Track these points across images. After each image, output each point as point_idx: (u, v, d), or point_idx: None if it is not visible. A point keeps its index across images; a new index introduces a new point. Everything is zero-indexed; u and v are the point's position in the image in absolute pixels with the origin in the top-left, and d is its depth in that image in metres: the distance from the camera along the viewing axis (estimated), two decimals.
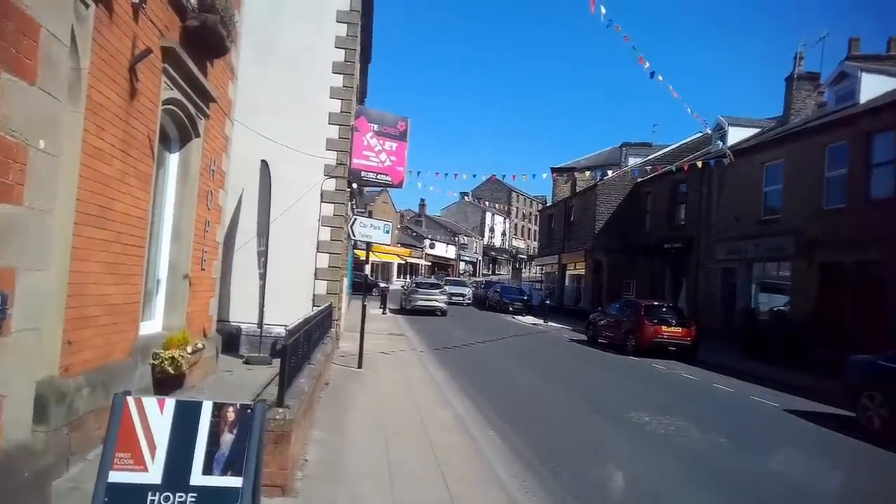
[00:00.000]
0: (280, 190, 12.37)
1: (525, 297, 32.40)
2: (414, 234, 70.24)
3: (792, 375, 14.53)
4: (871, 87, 18.47)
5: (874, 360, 9.23)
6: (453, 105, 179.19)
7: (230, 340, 11.94)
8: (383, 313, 25.01)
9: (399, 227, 65.83)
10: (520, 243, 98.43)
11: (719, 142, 24.80)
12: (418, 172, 24.18)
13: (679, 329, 16.56)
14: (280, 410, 4.27)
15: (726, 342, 19.86)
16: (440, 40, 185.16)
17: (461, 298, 34.10)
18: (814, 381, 13.70)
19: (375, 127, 13.48)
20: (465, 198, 65.26)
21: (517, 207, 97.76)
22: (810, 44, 51.76)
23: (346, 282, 16.80)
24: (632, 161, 33.18)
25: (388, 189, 60.06)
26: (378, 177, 13.58)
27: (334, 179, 12.65)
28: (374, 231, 10.87)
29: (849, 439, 8.60)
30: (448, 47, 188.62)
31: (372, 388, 9.31)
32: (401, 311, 26.91)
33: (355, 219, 10.65)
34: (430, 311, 26.02)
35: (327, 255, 12.55)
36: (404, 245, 64.40)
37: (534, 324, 26.50)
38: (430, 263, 70.68)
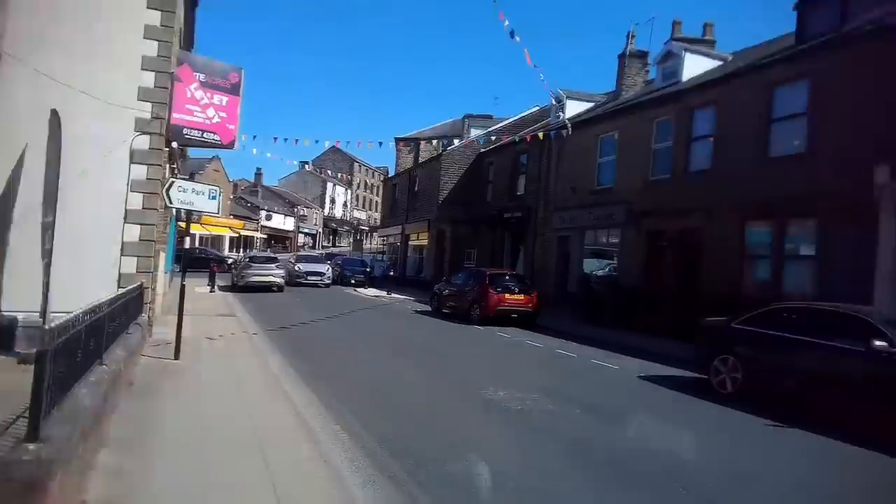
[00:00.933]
0: (78, 148, 10.07)
1: (367, 270, 31.54)
2: (249, 204, 65.81)
3: (625, 337, 15.32)
4: (693, 66, 19.95)
5: (727, 324, 9.63)
6: (289, 71, 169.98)
7: (2, 334, 9.57)
8: (211, 291, 22.62)
9: (232, 197, 61.15)
10: (361, 215, 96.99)
11: (560, 114, 25.59)
12: (254, 137, 22.14)
13: (521, 296, 16.79)
14: (31, 448, 2.92)
15: (563, 308, 20.68)
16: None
17: (318, 279, 28.53)
18: (649, 342, 14.52)
19: (202, 77, 11.53)
20: (306, 167, 62.26)
21: (359, 178, 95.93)
22: (641, 23, 56.47)
23: (164, 258, 14.56)
24: (474, 132, 33.38)
25: (218, 154, 55.21)
26: (204, 135, 11.68)
27: (148, 136, 10.60)
28: (198, 197, 9.16)
29: (707, 403, 8.76)
30: (287, 11, 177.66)
31: (191, 386, 7.82)
32: (233, 288, 24.62)
33: (172, 181, 8.85)
34: (266, 288, 24.17)
35: (138, 226, 10.54)
36: (238, 217, 60.05)
37: (377, 296, 25.77)
38: (266, 236, 66.83)
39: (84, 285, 10.14)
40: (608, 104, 24.28)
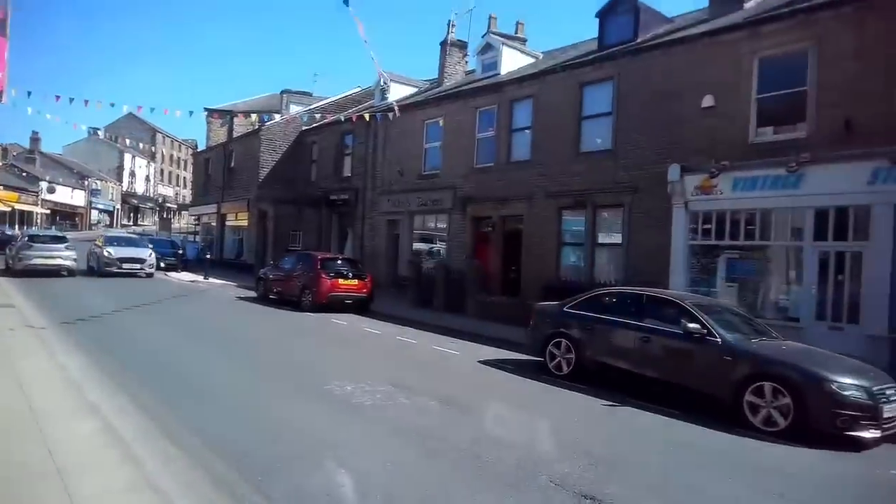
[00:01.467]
0: None
1: (178, 252, 28.68)
2: (25, 174, 56.29)
3: (457, 320, 15.68)
4: (510, 60, 20.92)
5: (559, 309, 10.10)
6: (77, 23, 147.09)
7: None
8: None
9: (2, 164, 51.82)
10: (167, 191, 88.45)
11: (387, 95, 25.34)
12: (29, 94, 18.67)
13: (355, 281, 16.36)
14: None
15: (395, 292, 20.68)
16: None
17: (138, 267, 22.42)
18: (480, 326, 15.00)
19: None
20: (98, 133, 54.80)
21: (163, 151, 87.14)
22: (461, 13, 57.81)
23: None
24: (294, 109, 31.85)
25: None
26: None
27: None
28: None
29: (547, 386, 9.07)
30: None
31: None
32: (7, 272, 20.75)
33: None
34: (53, 272, 20.74)
35: None
36: (10, 188, 51.08)
37: (192, 281, 23.54)
38: (48, 212, 57.82)
39: None
40: (432, 90, 24.60)
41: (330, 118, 23.76)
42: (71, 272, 21.29)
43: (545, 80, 17.56)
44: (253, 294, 19.06)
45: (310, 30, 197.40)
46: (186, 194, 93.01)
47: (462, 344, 12.59)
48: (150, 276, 22.83)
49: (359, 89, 33.31)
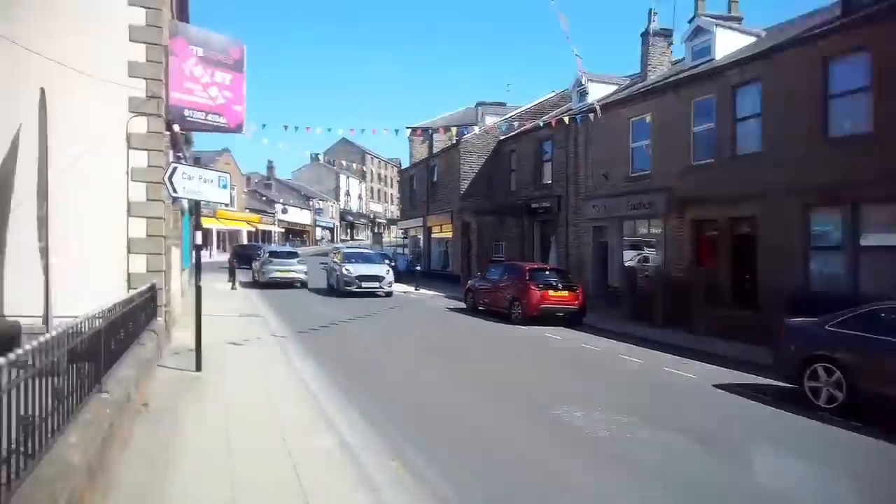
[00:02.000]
0: (69, 133, 9.01)
1: (391, 264, 30.31)
2: (264, 198, 64.98)
3: (681, 337, 14.03)
4: (726, 42, 18.46)
5: (819, 327, 8.31)
6: (293, 58, 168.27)
7: (2, 342, 8.56)
8: (232, 289, 21.62)
9: (246, 191, 60.35)
10: (377, 207, 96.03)
11: (587, 94, 24.20)
12: (263, 126, 20.81)
13: (566, 293, 15.48)
14: None
15: (605, 303, 19.38)
16: None
17: (376, 286, 20.93)
18: (711, 343, 13.25)
19: (199, 52, 10.37)
20: (321, 158, 61.13)
21: (372, 170, 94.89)
22: (662, 1, 53.99)
23: (178, 254, 13.50)
24: (489, 120, 32.03)
25: (228, 147, 54.26)
26: (209, 118, 10.53)
27: (146, 118, 9.48)
28: (206, 186, 8.01)
29: (812, 422, 7.43)
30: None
31: (214, 407, 6.69)
32: (254, 284, 23.68)
33: (175, 167, 7.69)
34: (288, 284, 23.16)
35: (143, 220, 9.44)
36: (253, 210, 59.23)
37: (405, 292, 24.59)
38: (283, 230, 66.02)
39: (90, 287, 9.09)
40: (634, 86, 22.84)
41: (529, 124, 23.23)
42: (303, 284, 23.52)
43: (774, 59, 15.06)
44: (462, 305, 19.15)
45: (499, 39, 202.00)
46: (393, 210, 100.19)
47: (696, 365, 11.02)
48: (388, 294, 20.87)
49: (553, 94, 32.51)
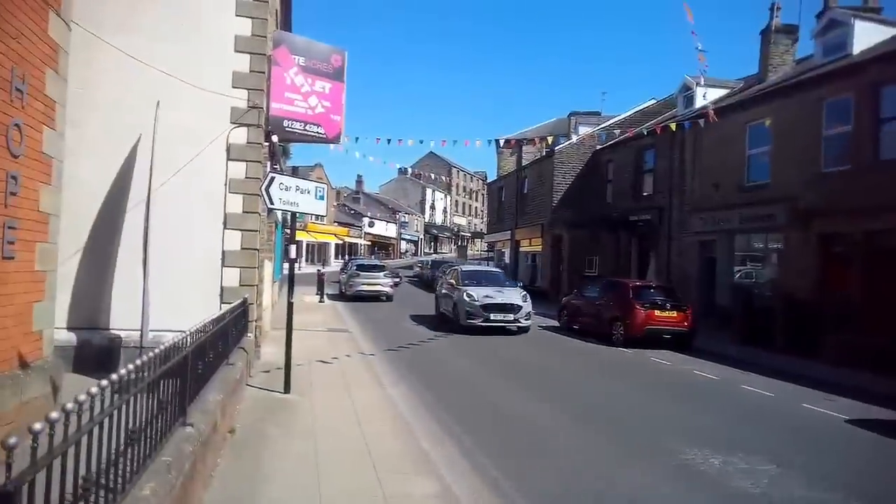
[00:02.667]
0: (169, 141, 8.88)
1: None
2: (352, 211, 66.34)
3: (810, 366, 12.32)
4: (864, 36, 16.42)
5: None
6: (378, 72, 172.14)
7: (103, 356, 8.49)
8: (321, 301, 21.61)
9: (335, 204, 61.79)
10: (461, 220, 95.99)
11: (695, 102, 22.56)
12: (356, 139, 20.47)
13: (674, 313, 14.08)
14: None
15: (711, 324, 17.68)
16: None
17: (510, 318, 15.35)
18: (845, 374, 11.51)
19: (301, 61, 10.07)
20: (410, 170, 61.66)
21: (457, 183, 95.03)
22: None
23: (270, 267, 13.37)
24: (583, 130, 30.72)
25: (320, 161, 55.77)
26: (307, 128, 10.20)
27: (246, 129, 9.23)
28: (303, 197, 7.56)
29: None
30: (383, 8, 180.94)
31: (305, 433, 6.14)
32: (340, 296, 23.75)
33: (273, 177, 7.27)
34: (374, 297, 23.21)
35: (238, 232, 9.17)
36: (341, 224, 60.51)
37: None
38: (369, 243, 67.05)
39: (185, 301, 8.94)
40: (750, 88, 20.97)
41: (631, 132, 21.85)
42: (389, 297, 23.53)
43: None
44: (555, 323, 18.07)
45: (594, 48, 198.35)
46: (477, 223, 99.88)
47: (837, 400, 9.45)
48: (524, 330, 15.74)
49: (652, 102, 30.84)
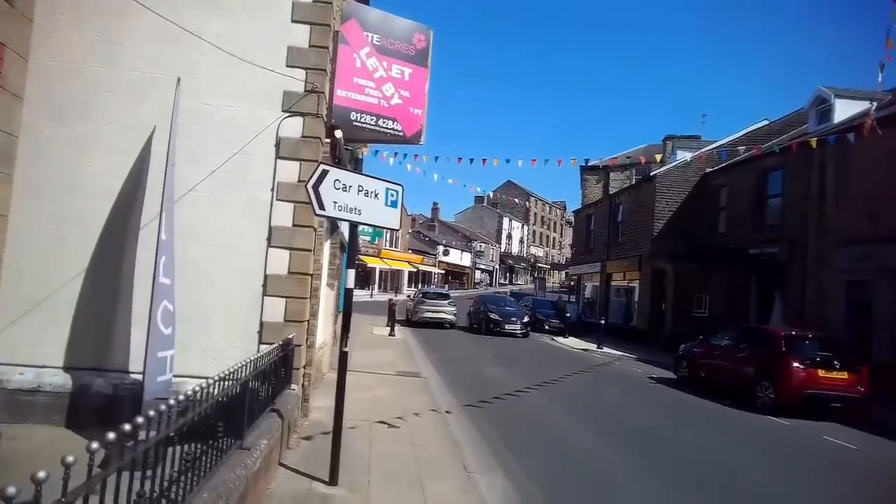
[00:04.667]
0: (203, 134, 6.95)
1: (566, 314, 26.66)
2: (427, 239, 64.77)
3: None
4: None
5: None
6: (452, 97, 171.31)
7: (106, 407, 6.46)
8: (391, 334, 19.40)
9: (410, 231, 60.38)
10: (538, 251, 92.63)
11: (832, 117, 19.10)
12: (436, 158, 18.20)
13: (844, 374, 10.73)
14: None
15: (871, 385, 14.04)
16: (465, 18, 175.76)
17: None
18: None
19: (375, 39, 7.96)
20: (491, 194, 59.38)
21: (535, 213, 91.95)
22: None
23: (333, 297, 11.22)
24: (680, 155, 27.39)
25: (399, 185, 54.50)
26: (380, 123, 8.02)
27: (301, 119, 7.14)
28: (368, 202, 5.26)
29: None
30: (470, 40, 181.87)
31: None
32: (408, 322, 23.78)
33: (325, 170, 4.99)
34: (439, 324, 23.95)
35: (286, 252, 7.01)
36: (415, 251, 58.95)
37: (584, 350, 20.75)
38: (443, 272, 65.10)
39: (215, 339, 6.86)
40: None
41: (758, 150, 18.52)
42: (452, 325, 24.10)
43: None
44: (668, 374, 14.97)
45: (692, 71, 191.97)
46: (555, 254, 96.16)
47: None
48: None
49: (766, 122, 27.21)
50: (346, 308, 5.51)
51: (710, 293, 22.52)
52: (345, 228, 8.54)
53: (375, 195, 5.39)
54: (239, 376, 4.30)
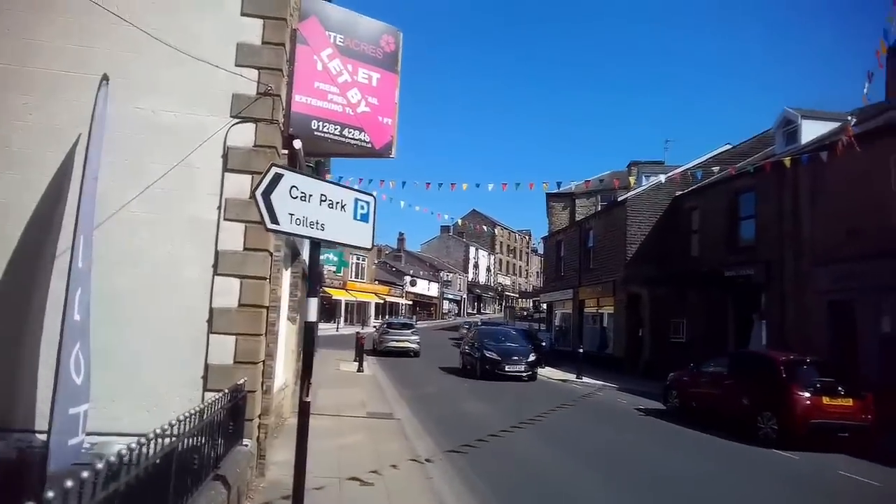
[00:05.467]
0: (136, 144, 5.91)
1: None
2: (393, 269, 63.56)
3: None
4: None
5: None
6: (423, 132, 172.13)
7: (8, 476, 5.21)
8: (359, 370, 18.16)
9: (377, 262, 59.11)
10: (505, 280, 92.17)
11: (800, 135, 19.00)
12: (403, 184, 17.03)
13: (849, 400, 10.02)
14: None
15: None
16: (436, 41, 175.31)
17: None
18: None
19: (339, 39, 7.07)
20: (460, 222, 58.57)
21: (501, 241, 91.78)
22: None
23: (294, 332, 10.05)
24: (646, 181, 27.17)
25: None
26: (345, 133, 7.07)
27: (253, 125, 6.16)
28: (333, 215, 4.28)
29: None
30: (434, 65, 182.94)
31: None
32: (373, 351, 23.78)
33: (277, 173, 3.98)
34: (404, 353, 24.85)
35: (236, 280, 5.94)
36: (382, 282, 57.64)
37: (563, 381, 19.82)
38: (410, 302, 63.80)
39: (151, 387, 5.71)
40: (881, 115, 17.31)
41: (733, 170, 18.18)
42: (416, 353, 24.99)
43: None
44: (656, 405, 14.14)
45: (655, 97, 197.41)
46: (521, 282, 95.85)
47: None
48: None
49: (729, 146, 27.32)
50: (307, 347, 4.45)
51: (687, 318, 21.99)
52: (306, 250, 7.50)
53: (342, 207, 4.41)
54: (159, 445, 3.21)
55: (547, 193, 42.96)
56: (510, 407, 13.00)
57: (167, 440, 3.35)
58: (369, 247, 4.69)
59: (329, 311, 46.36)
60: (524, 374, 18.27)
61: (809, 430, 9.79)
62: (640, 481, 7.77)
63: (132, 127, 5.82)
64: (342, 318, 48.84)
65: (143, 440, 3.02)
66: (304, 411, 4.21)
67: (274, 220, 3.96)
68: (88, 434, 5.34)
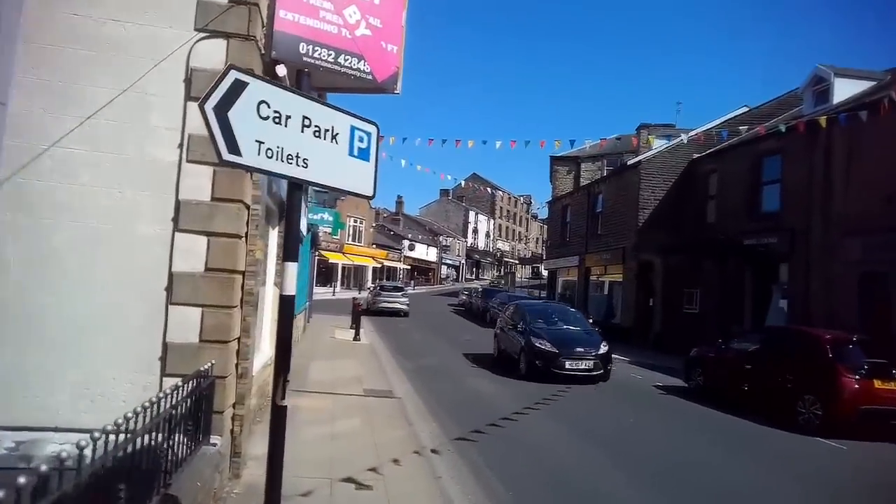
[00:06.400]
0: (74, 62, 4.65)
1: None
2: (391, 233, 62.32)
3: None
4: None
5: None
6: (421, 85, 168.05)
7: None
8: (356, 338, 17.11)
9: (374, 225, 57.83)
10: (504, 245, 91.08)
11: (832, 95, 17.64)
12: (404, 140, 15.72)
13: None
14: None
15: None
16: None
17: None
18: None
19: None
20: (463, 183, 56.75)
21: (501, 206, 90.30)
22: None
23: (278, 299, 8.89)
24: (657, 143, 25.70)
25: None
26: (341, 60, 5.74)
27: (224, 42, 4.89)
28: (321, 147, 3.08)
29: None
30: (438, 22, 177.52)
31: None
32: (366, 311, 22.48)
33: (238, 80, 2.79)
34: (395, 313, 27.66)
35: (203, 237, 4.75)
36: (380, 246, 56.48)
37: None
38: (409, 267, 62.76)
39: (96, 370, 4.56)
40: None
41: (762, 130, 16.80)
42: (405, 314, 27.86)
43: None
44: (675, 381, 13.14)
45: (666, 57, 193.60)
46: (521, 248, 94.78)
47: None
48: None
49: (746, 109, 25.86)
50: (283, 332, 3.27)
51: (701, 288, 20.91)
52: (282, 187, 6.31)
53: (334, 137, 3.19)
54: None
55: (551, 157, 41.62)
56: (519, 386, 11.96)
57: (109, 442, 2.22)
58: (370, 194, 3.46)
59: (326, 275, 45.26)
60: (594, 374, 12.61)
61: (859, 417, 8.75)
62: (669, 477, 6.73)
63: (66, 38, 4.54)
64: (339, 283, 47.82)
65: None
66: (277, 420, 3.06)
67: (233, 148, 2.74)
68: (20, 429, 4.28)
